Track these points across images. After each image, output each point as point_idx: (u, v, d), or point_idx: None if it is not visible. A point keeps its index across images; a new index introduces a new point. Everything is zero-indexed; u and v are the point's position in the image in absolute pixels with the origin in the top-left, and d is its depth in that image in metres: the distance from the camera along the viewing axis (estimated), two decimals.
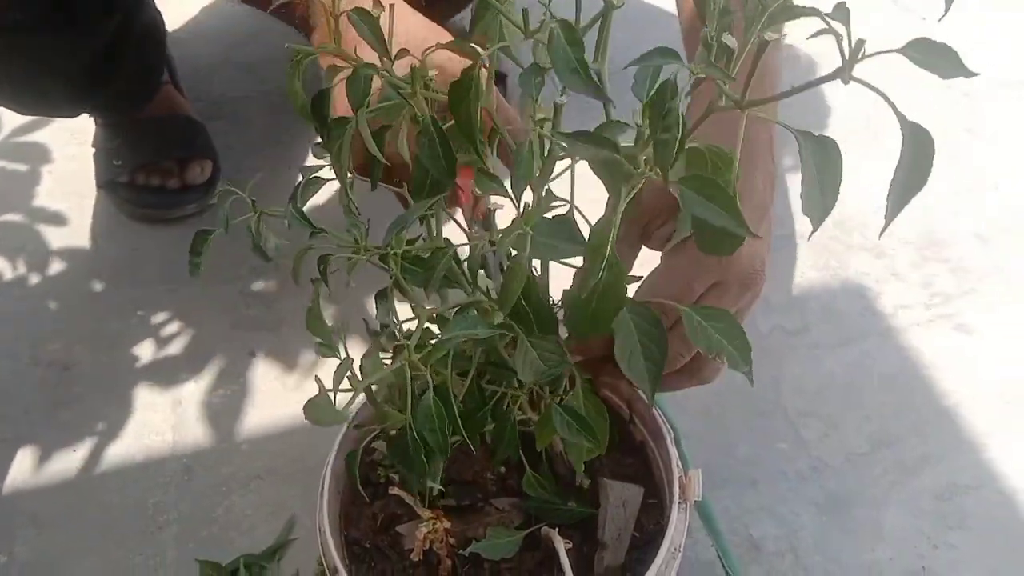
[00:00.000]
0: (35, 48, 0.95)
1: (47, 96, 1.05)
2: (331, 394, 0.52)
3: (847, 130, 1.13)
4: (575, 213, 0.54)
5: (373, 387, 0.57)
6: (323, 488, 0.65)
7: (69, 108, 1.12)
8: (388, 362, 0.50)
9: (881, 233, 0.44)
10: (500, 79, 1.23)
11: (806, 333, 1.02)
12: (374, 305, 0.55)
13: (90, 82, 1.05)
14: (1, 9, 0.89)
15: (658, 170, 0.43)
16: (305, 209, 0.56)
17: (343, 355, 0.48)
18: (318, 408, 0.50)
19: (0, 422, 0.96)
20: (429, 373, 0.44)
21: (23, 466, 0.93)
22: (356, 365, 0.50)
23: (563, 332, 0.54)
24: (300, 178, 0.58)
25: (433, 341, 0.46)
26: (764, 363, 0.99)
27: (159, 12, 1.15)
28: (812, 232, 0.45)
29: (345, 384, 0.48)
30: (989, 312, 1.02)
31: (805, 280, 1.06)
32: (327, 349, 0.52)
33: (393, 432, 0.51)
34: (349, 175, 0.54)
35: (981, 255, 1.08)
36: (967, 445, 0.92)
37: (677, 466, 0.65)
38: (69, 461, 0.93)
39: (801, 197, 0.45)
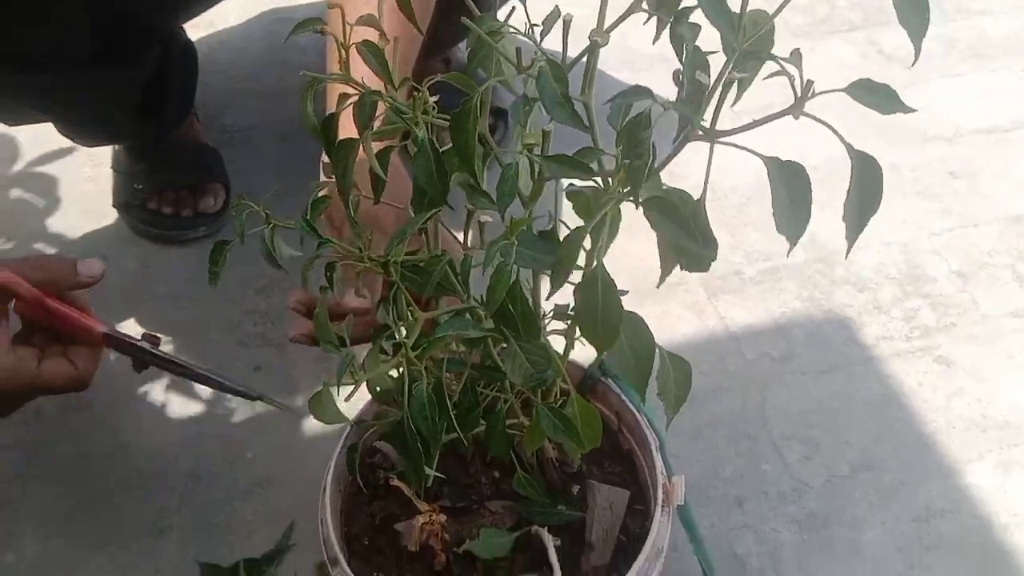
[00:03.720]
0: (95, 80, 1.02)
1: (111, 125, 1.14)
2: (334, 390, 0.56)
3: (829, 171, 1.18)
4: (562, 228, 0.58)
5: (376, 388, 0.61)
6: (326, 484, 0.69)
7: (131, 134, 1.19)
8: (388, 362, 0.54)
9: (847, 254, 0.48)
10: (501, 114, 1.28)
11: (791, 360, 1.06)
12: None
13: (145, 109, 1.13)
14: (55, 46, 0.96)
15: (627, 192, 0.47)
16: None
17: (346, 352, 0.51)
18: (323, 405, 0.54)
19: (10, 426, 0.99)
20: (424, 368, 0.48)
21: (33, 469, 0.96)
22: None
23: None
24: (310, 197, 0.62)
25: (430, 338, 0.50)
26: (750, 388, 1.03)
27: (190, 40, 1.22)
28: (789, 250, 0.49)
29: (348, 381, 0.52)
30: (967, 345, 1.06)
31: (790, 310, 1.10)
32: (333, 347, 0.56)
33: (394, 422, 0.54)
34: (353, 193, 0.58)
35: (960, 291, 1.12)
36: (945, 471, 0.96)
37: (661, 472, 0.68)
38: (77, 465, 0.96)
39: (774, 217, 0.49)
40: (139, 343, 0.80)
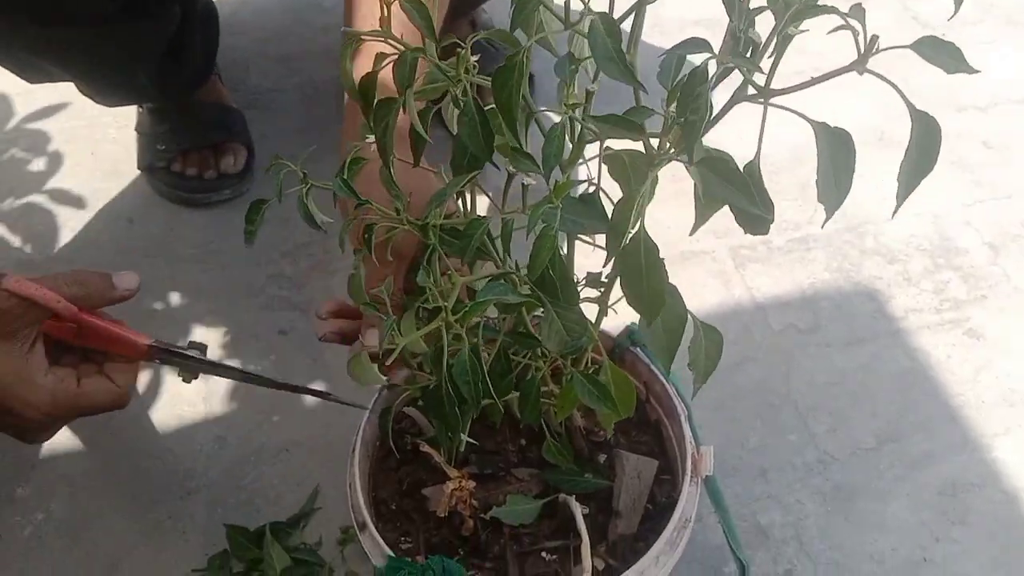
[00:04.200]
0: (119, 36, 1.01)
1: (134, 82, 1.13)
2: (368, 356, 0.56)
3: (861, 141, 1.16)
4: (601, 194, 0.57)
5: (410, 354, 0.61)
6: (355, 448, 0.69)
7: (153, 93, 1.18)
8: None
9: (894, 213, 0.47)
10: (530, 79, 1.27)
11: (818, 332, 1.05)
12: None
13: (169, 67, 1.12)
14: (79, 2, 0.95)
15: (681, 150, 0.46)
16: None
17: (387, 316, 0.51)
18: (362, 366, 0.54)
19: None
20: (464, 332, 0.48)
21: (60, 432, 0.97)
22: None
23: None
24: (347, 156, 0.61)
25: (470, 303, 0.49)
26: (776, 359, 1.02)
27: (211, 0, 1.21)
28: (825, 220, 0.48)
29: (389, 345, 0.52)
30: (998, 318, 1.05)
31: (819, 281, 1.09)
32: (370, 308, 0.56)
33: (428, 387, 0.54)
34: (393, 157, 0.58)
35: (992, 264, 1.10)
36: (972, 445, 0.95)
37: (690, 443, 0.68)
38: (104, 428, 0.97)
39: (817, 185, 0.48)
40: (187, 351, 0.76)
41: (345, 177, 0.55)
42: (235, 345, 1.04)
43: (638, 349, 0.72)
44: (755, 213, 0.43)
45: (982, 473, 0.93)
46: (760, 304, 1.07)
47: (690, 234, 0.58)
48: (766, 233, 0.50)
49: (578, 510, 0.63)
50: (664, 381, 0.71)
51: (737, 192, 0.43)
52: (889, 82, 0.44)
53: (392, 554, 0.61)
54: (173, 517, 0.90)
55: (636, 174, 0.47)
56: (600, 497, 0.69)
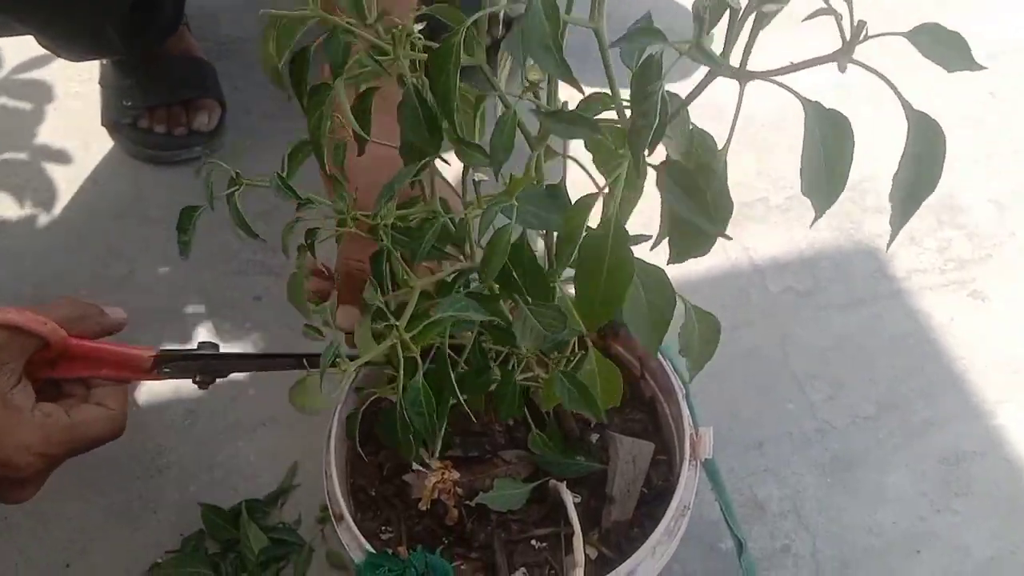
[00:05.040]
0: None
1: (100, 35, 1.04)
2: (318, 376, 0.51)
3: (862, 83, 1.10)
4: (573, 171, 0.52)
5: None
6: (331, 433, 0.65)
7: (119, 46, 1.10)
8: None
9: (888, 245, 0.42)
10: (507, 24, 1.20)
11: (817, 294, 1.01)
12: None
13: (138, 18, 1.04)
14: None
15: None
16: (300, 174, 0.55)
17: (328, 335, 0.46)
18: (306, 392, 0.49)
19: None
20: (419, 355, 0.43)
21: None
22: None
23: None
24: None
25: (426, 322, 0.44)
26: (773, 324, 0.98)
27: None
28: (815, 219, 0.40)
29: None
30: (1004, 279, 1.01)
31: (818, 240, 1.05)
32: (313, 332, 0.51)
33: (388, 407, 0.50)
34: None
35: (998, 222, 1.06)
36: (974, 412, 0.92)
37: (688, 423, 0.64)
38: None
39: (801, 174, 0.40)
40: (200, 352, 0.69)
41: (283, 174, 0.49)
42: (209, 312, 0.99)
43: None
44: (706, 231, 0.38)
45: (984, 441, 0.90)
46: (757, 265, 1.03)
47: (651, 248, 0.52)
48: (704, 255, 0.45)
49: (569, 498, 0.60)
50: (660, 357, 0.67)
51: (695, 208, 0.38)
52: (880, 75, 0.39)
53: (371, 549, 0.57)
54: (144, 497, 0.86)
55: (614, 169, 0.42)
56: (592, 480, 0.65)
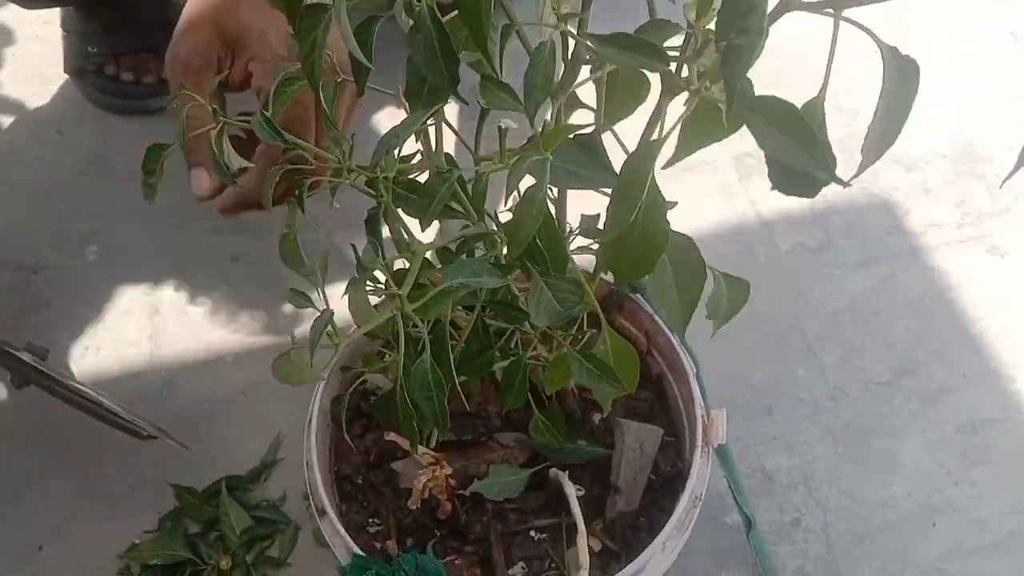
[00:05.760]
0: None
1: None
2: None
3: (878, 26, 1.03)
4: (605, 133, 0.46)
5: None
6: (311, 419, 0.60)
7: None
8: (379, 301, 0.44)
9: (848, 181, 0.37)
10: None
11: (828, 251, 0.95)
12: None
13: None
14: None
15: (716, 87, 0.35)
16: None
17: (321, 304, 0.41)
18: (291, 365, 0.44)
19: None
20: (425, 329, 0.37)
21: None
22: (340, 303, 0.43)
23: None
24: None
25: (433, 291, 0.39)
26: (783, 283, 0.93)
27: None
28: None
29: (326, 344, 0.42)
30: (1023, 234, 0.96)
31: (830, 193, 0.98)
32: (302, 300, 0.45)
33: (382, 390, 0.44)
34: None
35: (1019, 172, 1.00)
36: (993, 375, 0.87)
37: (700, 406, 0.59)
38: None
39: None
40: (20, 354, 0.65)
41: (268, 112, 0.43)
42: (182, 275, 0.93)
43: (639, 295, 0.63)
44: (816, 175, 0.33)
45: (1003, 406, 0.86)
46: (766, 220, 0.97)
47: (663, 167, 0.47)
48: (814, 196, 0.39)
49: (572, 491, 0.55)
50: (668, 333, 0.62)
51: (799, 149, 0.32)
52: (863, 28, 0.33)
53: (357, 550, 0.52)
54: (121, 473, 0.82)
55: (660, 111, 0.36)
56: (596, 465, 0.61)
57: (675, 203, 0.50)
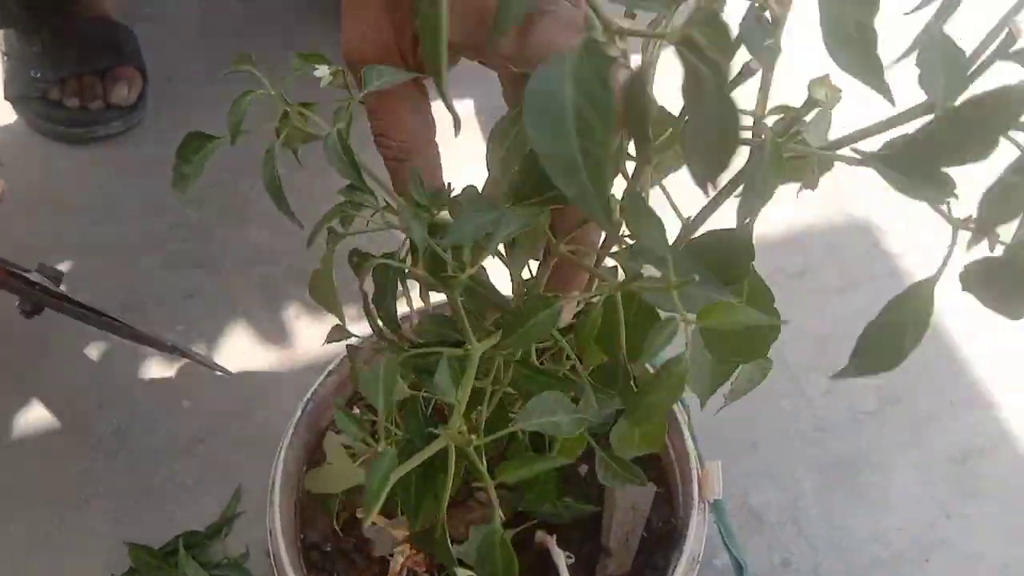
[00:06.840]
0: None
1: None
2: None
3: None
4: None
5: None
6: (274, 483, 0.55)
7: (20, 16, 0.96)
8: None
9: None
10: None
11: (808, 276, 0.93)
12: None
13: None
14: None
15: None
16: None
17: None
18: (326, 479, 0.38)
19: None
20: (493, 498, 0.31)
21: None
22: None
23: None
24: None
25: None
26: None
27: None
28: None
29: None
30: None
31: (809, 215, 0.96)
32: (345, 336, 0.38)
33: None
34: None
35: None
36: (982, 402, 0.85)
37: (694, 459, 0.55)
38: None
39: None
40: (31, 277, 0.61)
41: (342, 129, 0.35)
42: (138, 314, 0.88)
43: None
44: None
45: (993, 435, 0.84)
46: None
47: None
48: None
49: (562, 560, 0.51)
50: None
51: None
52: None
53: None
54: (69, 530, 0.76)
55: None
56: (584, 522, 0.57)
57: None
